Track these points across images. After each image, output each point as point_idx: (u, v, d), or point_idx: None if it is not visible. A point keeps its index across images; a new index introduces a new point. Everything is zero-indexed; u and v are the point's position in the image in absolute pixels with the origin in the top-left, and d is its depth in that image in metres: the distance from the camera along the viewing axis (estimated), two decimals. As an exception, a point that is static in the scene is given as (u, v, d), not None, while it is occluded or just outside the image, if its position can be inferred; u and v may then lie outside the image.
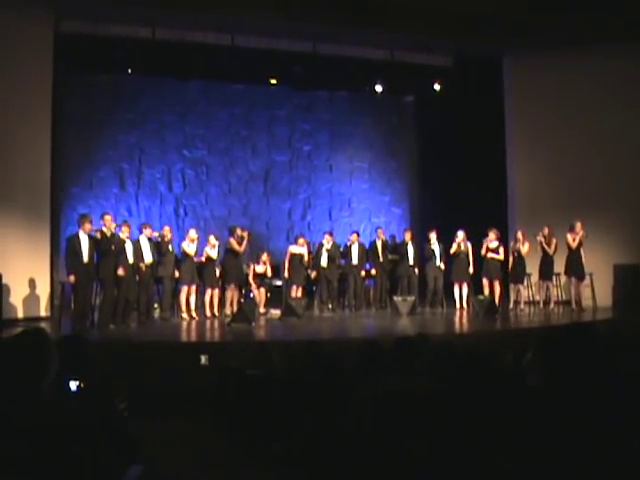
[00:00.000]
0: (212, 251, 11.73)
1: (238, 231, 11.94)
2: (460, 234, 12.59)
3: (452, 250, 12.58)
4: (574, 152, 13.05)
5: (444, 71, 14.09)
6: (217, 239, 11.86)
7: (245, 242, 11.89)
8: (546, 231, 12.12)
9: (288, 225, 15.40)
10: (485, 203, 13.54)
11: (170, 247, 11.31)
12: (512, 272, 12.32)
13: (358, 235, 13.16)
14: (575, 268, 11.92)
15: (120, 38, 12.16)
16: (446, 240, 12.76)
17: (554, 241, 12.08)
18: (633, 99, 12.70)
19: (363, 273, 13.13)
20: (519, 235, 12.29)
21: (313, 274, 12.83)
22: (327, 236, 12.90)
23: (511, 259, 12.31)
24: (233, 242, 11.82)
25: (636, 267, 12.39)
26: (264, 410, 4.89)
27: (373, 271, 13.18)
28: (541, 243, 12.10)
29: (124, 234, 10.35)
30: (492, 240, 12.34)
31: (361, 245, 13.03)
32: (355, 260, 12.84)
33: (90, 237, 9.65)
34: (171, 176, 14.63)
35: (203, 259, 11.71)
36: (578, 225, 11.85)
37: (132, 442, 3.24)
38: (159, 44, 12.35)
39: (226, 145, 15.02)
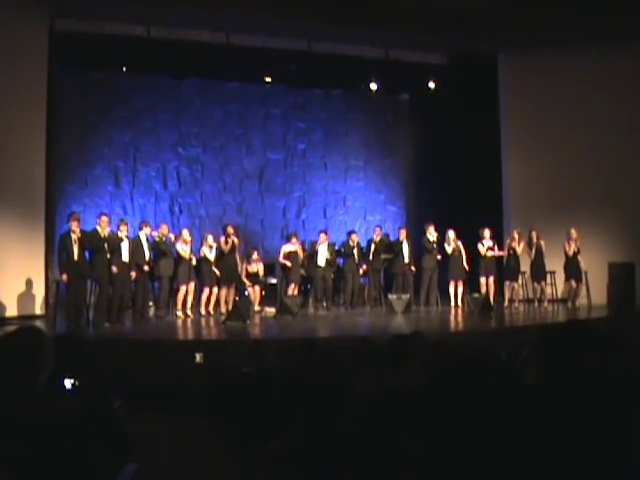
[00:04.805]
0: (209, 251, 11.70)
1: (229, 229, 11.88)
2: (451, 234, 12.58)
3: (449, 251, 12.56)
4: (569, 151, 13.06)
5: (439, 69, 14.10)
6: (215, 240, 11.83)
7: (230, 240, 11.80)
8: (534, 234, 12.22)
9: (283, 223, 15.38)
10: (480, 202, 13.55)
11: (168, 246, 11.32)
12: (506, 269, 12.38)
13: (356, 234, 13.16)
14: (572, 272, 12.14)
15: (115, 36, 12.14)
16: (441, 238, 12.76)
17: (543, 244, 12.20)
18: (629, 98, 12.70)
19: (360, 271, 13.11)
20: (515, 234, 12.35)
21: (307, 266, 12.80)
22: (323, 235, 12.83)
23: (506, 255, 12.36)
24: (222, 241, 11.82)
25: (631, 265, 12.44)
26: (259, 408, 4.89)
27: (364, 266, 13.05)
28: (538, 247, 12.18)
29: (122, 232, 10.31)
30: (487, 239, 12.43)
31: (358, 243, 13.03)
32: (356, 258, 12.82)
33: (82, 234, 9.66)
34: (166, 174, 14.60)
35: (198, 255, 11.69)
36: (573, 231, 12.01)
37: (128, 440, 3.23)
38: (154, 42, 12.37)
39: (221, 143, 15.00)
